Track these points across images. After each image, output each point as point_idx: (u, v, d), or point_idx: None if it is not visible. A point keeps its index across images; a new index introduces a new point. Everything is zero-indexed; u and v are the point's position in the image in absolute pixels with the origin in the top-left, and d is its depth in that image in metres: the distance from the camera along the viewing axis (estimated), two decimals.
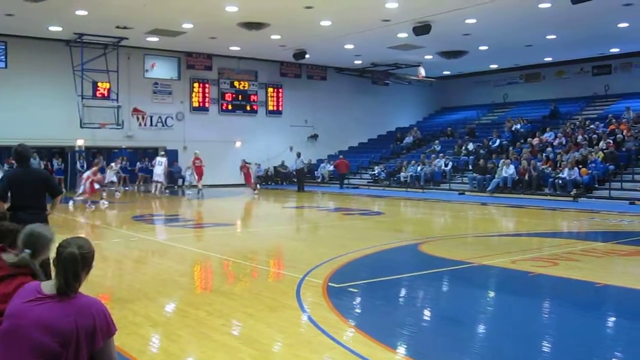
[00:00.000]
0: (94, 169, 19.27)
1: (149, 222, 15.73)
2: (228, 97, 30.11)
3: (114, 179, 23.92)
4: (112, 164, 23.93)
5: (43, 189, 6.64)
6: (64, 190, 23.21)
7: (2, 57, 24.51)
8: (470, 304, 6.75)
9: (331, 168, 30.48)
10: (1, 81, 24.32)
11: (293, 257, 9.82)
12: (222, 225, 14.54)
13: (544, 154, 23.88)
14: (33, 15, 20.39)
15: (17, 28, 22.89)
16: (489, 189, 23.24)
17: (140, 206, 19.81)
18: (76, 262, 2.88)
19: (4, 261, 3.48)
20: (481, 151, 26.65)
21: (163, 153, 24.24)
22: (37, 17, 20.85)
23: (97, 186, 19.26)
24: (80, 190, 19.15)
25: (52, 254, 3.10)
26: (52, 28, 22.79)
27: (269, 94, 31.45)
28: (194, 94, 29.14)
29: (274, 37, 24.35)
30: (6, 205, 6.54)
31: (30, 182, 6.55)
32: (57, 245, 3.00)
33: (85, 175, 19.20)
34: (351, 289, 7.23)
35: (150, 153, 27.66)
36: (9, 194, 6.58)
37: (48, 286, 2.87)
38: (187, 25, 22.40)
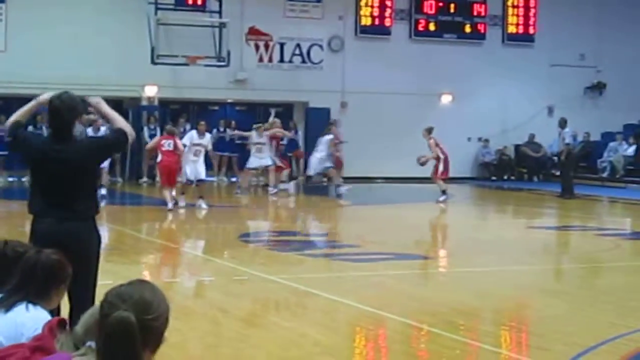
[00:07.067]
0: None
1: (269, 246, 16.46)
2: (428, 7, 30.61)
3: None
4: None
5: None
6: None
7: None
8: None
9: (630, 151, 29.99)
10: None
11: (546, 329, 9.83)
12: (406, 259, 14.75)
13: None
14: None
15: None
16: None
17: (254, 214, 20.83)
18: (131, 335, 2.88)
19: None
20: None
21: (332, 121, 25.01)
22: None
23: None
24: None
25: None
26: None
27: (509, 3, 31.66)
28: (361, 3, 29.88)
29: None
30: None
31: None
32: (100, 299, 3.00)
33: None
34: None
35: (283, 114, 28.55)
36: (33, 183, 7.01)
37: None
38: None
